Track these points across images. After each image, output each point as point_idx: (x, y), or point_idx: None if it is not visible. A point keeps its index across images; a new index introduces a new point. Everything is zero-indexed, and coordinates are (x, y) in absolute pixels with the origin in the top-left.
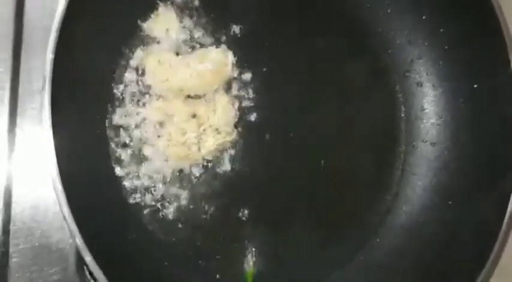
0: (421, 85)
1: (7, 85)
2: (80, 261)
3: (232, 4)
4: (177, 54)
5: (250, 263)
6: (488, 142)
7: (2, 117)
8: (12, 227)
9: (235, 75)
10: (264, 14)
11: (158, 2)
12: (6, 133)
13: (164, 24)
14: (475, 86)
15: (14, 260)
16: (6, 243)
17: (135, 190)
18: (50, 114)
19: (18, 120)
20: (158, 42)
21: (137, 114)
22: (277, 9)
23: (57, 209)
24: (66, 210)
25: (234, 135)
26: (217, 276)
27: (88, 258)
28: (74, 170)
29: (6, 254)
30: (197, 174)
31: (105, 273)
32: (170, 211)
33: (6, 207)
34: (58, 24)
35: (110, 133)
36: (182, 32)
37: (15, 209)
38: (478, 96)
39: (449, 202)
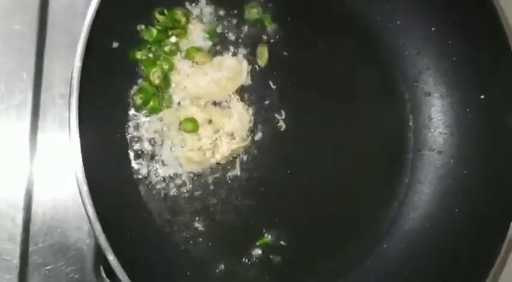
0: (429, 95)
1: (30, 90)
2: (97, 260)
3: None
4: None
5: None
6: (495, 151)
7: (25, 121)
8: (32, 227)
9: (250, 82)
10: (280, 27)
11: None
12: (28, 136)
13: (187, 34)
14: (482, 96)
15: (32, 259)
16: (26, 242)
17: (151, 192)
18: (77, 121)
19: (40, 123)
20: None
21: (155, 120)
22: (290, 21)
23: (76, 209)
24: (91, 210)
25: (248, 141)
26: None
27: (111, 257)
28: (97, 173)
29: (26, 252)
30: (209, 178)
31: (127, 273)
32: (184, 213)
33: (27, 208)
34: (86, 33)
35: (129, 138)
36: (204, 40)
37: (36, 209)
38: (485, 107)
39: (456, 210)
